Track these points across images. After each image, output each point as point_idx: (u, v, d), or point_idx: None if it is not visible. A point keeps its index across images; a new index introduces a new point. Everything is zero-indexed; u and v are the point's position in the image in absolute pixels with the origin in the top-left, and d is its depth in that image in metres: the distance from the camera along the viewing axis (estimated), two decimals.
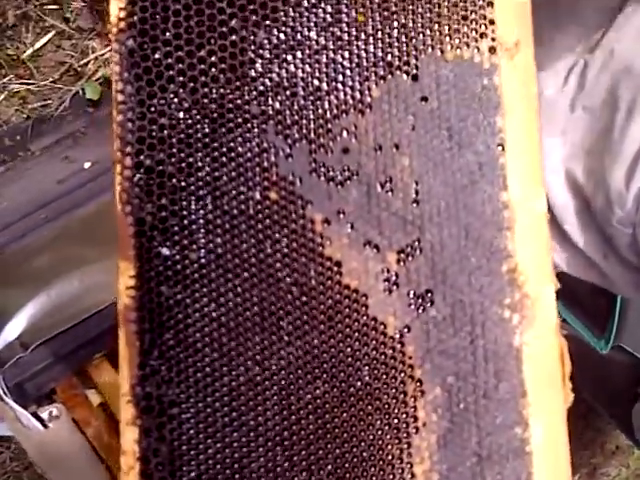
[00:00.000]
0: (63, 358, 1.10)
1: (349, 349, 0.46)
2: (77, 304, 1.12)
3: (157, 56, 0.51)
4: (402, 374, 0.46)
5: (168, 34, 0.51)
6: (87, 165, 1.33)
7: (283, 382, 0.45)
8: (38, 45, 1.42)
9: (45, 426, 1.14)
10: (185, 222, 0.51)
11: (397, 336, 0.46)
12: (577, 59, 0.65)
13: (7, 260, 1.17)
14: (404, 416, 0.46)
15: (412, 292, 0.46)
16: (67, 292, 1.14)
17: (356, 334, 0.46)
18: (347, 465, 0.46)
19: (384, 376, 0.46)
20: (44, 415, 1.15)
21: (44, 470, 1.27)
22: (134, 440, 0.44)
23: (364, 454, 0.45)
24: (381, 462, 0.45)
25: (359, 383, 0.46)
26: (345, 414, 0.45)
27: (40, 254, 1.17)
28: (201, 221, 0.45)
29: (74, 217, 1.22)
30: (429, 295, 0.46)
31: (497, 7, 0.49)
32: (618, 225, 0.63)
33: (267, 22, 0.52)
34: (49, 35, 1.44)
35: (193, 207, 0.52)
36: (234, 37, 0.52)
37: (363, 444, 0.45)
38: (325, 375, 0.45)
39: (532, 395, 0.54)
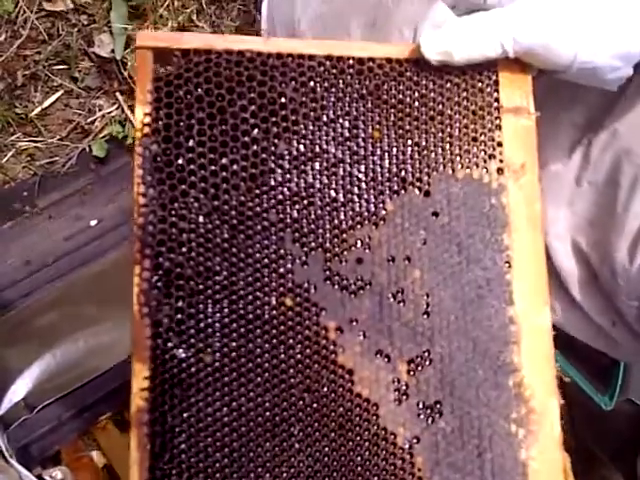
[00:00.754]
0: (69, 420, 1.10)
1: (359, 458, 0.46)
2: (82, 365, 1.13)
3: (180, 162, 0.54)
4: None
5: (192, 142, 0.54)
6: (93, 223, 1.37)
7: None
8: (46, 104, 1.51)
9: None
10: (201, 325, 0.53)
11: (407, 447, 0.47)
12: (581, 136, 0.74)
13: (12, 318, 1.18)
14: None
15: (421, 403, 0.47)
16: (72, 353, 1.14)
17: (367, 444, 0.46)
18: None
19: None
20: (49, 478, 1.13)
21: None
22: None
23: None
24: None
25: None
26: None
27: (45, 312, 1.18)
28: (217, 324, 0.46)
29: (79, 275, 1.24)
30: (438, 406, 0.47)
31: (504, 130, 0.51)
32: (625, 298, 0.64)
33: (287, 134, 0.56)
34: (57, 94, 1.53)
35: (210, 310, 0.54)
36: (255, 147, 0.55)
37: None
38: (336, 473, 0.45)
39: None
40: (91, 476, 1.19)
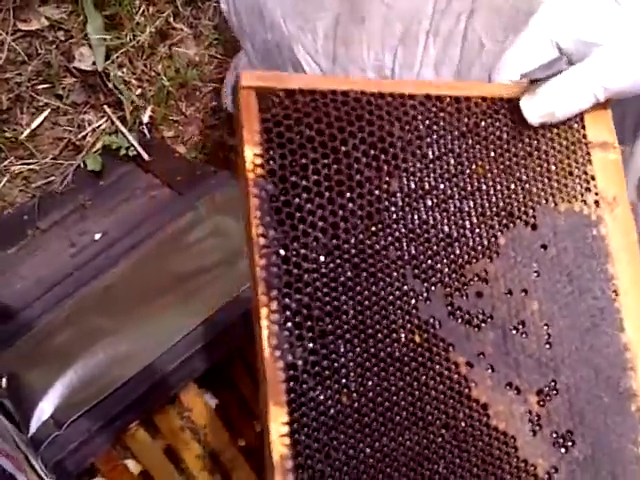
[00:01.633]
0: (99, 431, 1.11)
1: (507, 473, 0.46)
2: (105, 376, 1.14)
3: (298, 201, 0.55)
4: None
5: (308, 181, 0.56)
6: (97, 236, 1.37)
7: None
8: (34, 125, 1.55)
9: None
10: (335, 365, 0.54)
11: (546, 477, 0.46)
12: None
13: (30, 340, 1.21)
14: None
15: (555, 433, 0.48)
16: (93, 366, 1.16)
17: (509, 477, 0.46)
18: None
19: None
20: None
21: None
22: None
23: None
24: None
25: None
26: None
27: (61, 330, 1.20)
28: (351, 364, 0.46)
29: (90, 289, 1.25)
30: (570, 435, 0.48)
31: (595, 165, 0.52)
32: None
33: (398, 172, 0.58)
34: (44, 114, 1.56)
35: (342, 350, 0.55)
36: (369, 185, 0.57)
37: None
38: None
39: None
40: None
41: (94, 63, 1.53)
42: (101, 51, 1.53)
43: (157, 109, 1.60)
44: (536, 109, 0.62)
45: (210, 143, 1.66)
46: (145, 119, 1.58)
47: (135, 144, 1.52)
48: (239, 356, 1.21)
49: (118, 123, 1.55)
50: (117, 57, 1.55)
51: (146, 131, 1.58)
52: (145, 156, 1.51)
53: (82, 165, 1.50)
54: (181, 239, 1.29)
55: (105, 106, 1.57)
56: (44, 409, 1.10)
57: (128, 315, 1.19)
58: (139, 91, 1.59)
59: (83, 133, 1.54)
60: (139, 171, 1.50)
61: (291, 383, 0.52)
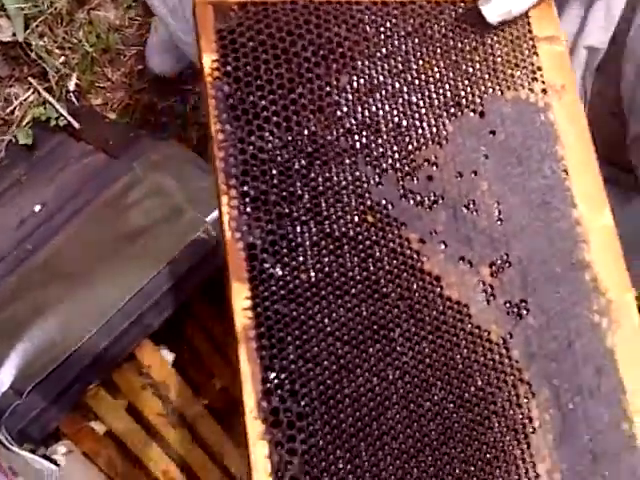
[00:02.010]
0: (59, 396, 1.11)
1: (459, 356, 0.48)
2: (59, 342, 1.14)
3: (252, 99, 0.59)
4: (512, 377, 0.48)
5: (260, 80, 0.60)
6: (37, 208, 1.35)
7: (402, 391, 0.47)
8: None
9: (58, 465, 1.14)
10: (293, 245, 0.59)
11: (501, 342, 0.48)
12: None
13: None
14: (520, 417, 0.48)
15: (508, 302, 0.50)
16: (46, 333, 1.15)
17: (463, 342, 0.48)
18: (474, 468, 0.47)
19: (495, 380, 0.48)
20: (54, 455, 1.15)
21: None
22: (264, 456, 0.45)
23: (488, 456, 0.47)
24: (505, 463, 0.47)
25: (473, 388, 0.48)
26: (464, 418, 0.47)
27: (11, 303, 1.20)
28: (307, 243, 0.49)
29: (36, 260, 1.24)
30: (524, 304, 0.50)
31: (541, 57, 0.55)
32: None
33: (347, 69, 0.62)
34: None
35: (298, 230, 0.59)
36: (320, 82, 0.61)
37: (486, 447, 0.47)
38: (440, 382, 0.47)
39: (630, 394, 0.60)
40: (94, 444, 1.23)
41: (14, 34, 1.52)
42: (20, 21, 1.51)
43: (83, 77, 1.58)
44: (495, 10, 0.66)
45: (140, 107, 1.63)
46: (71, 87, 1.57)
47: (64, 113, 1.50)
48: (190, 313, 1.23)
49: (45, 94, 1.54)
50: (37, 26, 1.54)
51: (74, 99, 1.57)
52: (76, 124, 1.49)
53: (13, 140, 1.50)
54: (120, 201, 1.29)
55: (30, 78, 1.56)
56: (2, 380, 1.12)
57: (75, 281, 1.20)
58: (62, 59, 1.57)
59: (11, 107, 1.53)
60: (71, 140, 1.48)
61: (251, 262, 0.55)
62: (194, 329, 1.30)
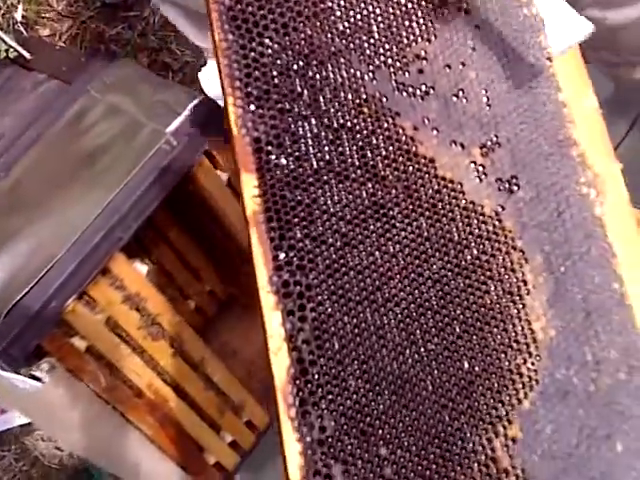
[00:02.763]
0: (38, 314, 1.16)
1: (455, 229, 0.52)
2: (32, 262, 1.19)
3: (250, 9, 0.63)
4: (506, 245, 0.52)
5: None
6: None
7: (402, 262, 0.51)
8: None
9: (42, 382, 1.19)
10: (295, 137, 0.60)
11: (494, 215, 0.52)
12: None
13: None
14: (515, 280, 0.52)
15: (499, 179, 0.53)
16: (18, 256, 1.21)
17: (458, 216, 0.53)
18: (473, 327, 0.51)
19: (490, 249, 0.52)
20: (38, 372, 1.19)
21: (53, 432, 1.24)
22: (279, 324, 0.48)
23: (486, 317, 0.51)
24: (503, 322, 0.50)
25: (469, 257, 0.52)
26: (462, 284, 0.51)
27: None
28: (309, 135, 0.54)
29: None
30: (514, 180, 0.54)
31: None
32: None
33: None
34: None
35: (299, 123, 0.63)
36: None
37: (483, 309, 0.51)
38: (438, 253, 0.51)
39: (620, 256, 0.63)
40: (77, 361, 1.26)
41: None
42: None
43: (29, 7, 1.59)
44: None
45: (88, 36, 1.66)
46: (18, 17, 1.58)
47: (14, 45, 1.51)
48: (154, 226, 1.26)
49: None
50: None
51: (22, 30, 1.59)
52: (26, 55, 1.51)
53: None
54: (78, 125, 1.33)
55: None
56: None
57: (42, 206, 1.24)
58: None
59: None
60: (23, 71, 1.51)
61: (258, 154, 0.60)
62: (158, 241, 1.33)
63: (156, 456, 1.52)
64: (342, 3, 0.66)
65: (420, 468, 0.55)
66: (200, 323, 1.67)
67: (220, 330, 1.80)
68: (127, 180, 1.21)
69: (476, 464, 0.56)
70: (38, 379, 1.21)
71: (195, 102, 1.35)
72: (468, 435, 0.57)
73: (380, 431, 0.56)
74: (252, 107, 0.62)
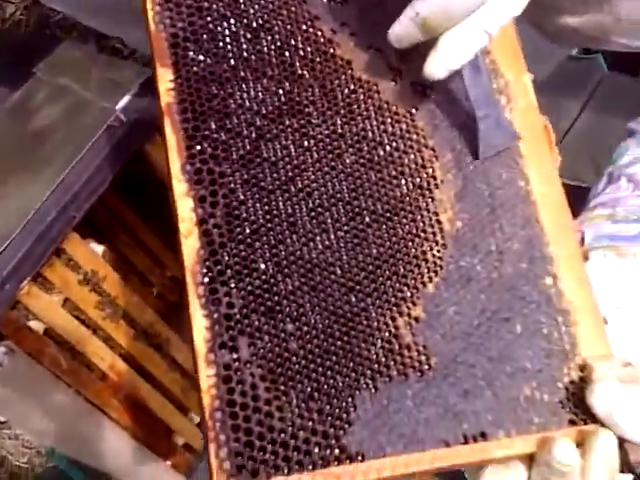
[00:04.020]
0: None
1: (369, 127, 0.53)
2: None
3: None
4: (417, 143, 0.53)
5: None
6: None
7: (316, 155, 0.52)
8: None
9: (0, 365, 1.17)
10: (212, 34, 0.54)
11: (408, 115, 0.53)
12: None
13: None
14: (425, 176, 0.52)
15: (414, 83, 0.54)
16: None
17: (373, 115, 0.54)
18: (383, 217, 0.51)
19: (403, 146, 0.53)
20: None
21: (15, 418, 1.22)
22: (190, 209, 0.48)
23: (396, 208, 0.52)
24: (411, 214, 0.51)
25: (382, 153, 0.53)
26: (374, 178, 0.52)
27: None
28: (227, 33, 0.53)
29: None
30: (428, 84, 0.53)
31: None
32: None
33: None
34: None
35: (218, 22, 0.55)
36: None
37: (394, 201, 0.52)
38: (352, 148, 0.52)
39: (527, 156, 0.65)
40: (36, 343, 1.24)
41: None
42: None
43: None
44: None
45: (33, 22, 1.62)
46: None
47: None
48: (108, 207, 1.24)
49: None
50: None
51: None
52: None
53: None
54: (25, 107, 1.32)
55: None
56: None
57: None
58: None
59: None
60: None
61: (174, 49, 0.59)
62: (113, 223, 1.31)
63: (123, 439, 1.48)
64: None
65: (325, 344, 0.55)
66: (162, 307, 1.64)
67: (183, 313, 1.76)
68: (78, 158, 1.19)
69: (379, 340, 0.56)
70: None
71: (144, 78, 1.35)
72: (373, 315, 0.58)
73: (287, 309, 0.56)
74: (170, 5, 0.61)
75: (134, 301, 1.31)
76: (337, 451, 0.53)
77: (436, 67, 0.60)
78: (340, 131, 0.63)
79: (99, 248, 1.33)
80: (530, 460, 0.58)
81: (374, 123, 0.64)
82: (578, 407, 0.59)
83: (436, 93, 0.65)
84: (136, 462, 1.53)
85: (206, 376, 0.54)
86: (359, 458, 0.54)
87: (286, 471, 0.52)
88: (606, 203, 0.76)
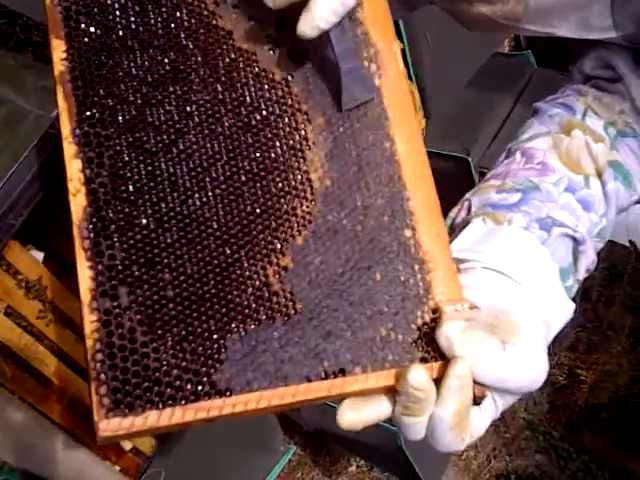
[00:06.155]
0: None
1: (247, 92, 0.56)
2: None
3: None
4: (292, 108, 0.55)
5: None
6: None
7: (198, 119, 0.55)
8: None
9: None
10: (103, 7, 0.56)
11: (284, 81, 0.55)
12: None
13: None
14: (298, 137, 0.55)
15: (290, 51, 0.56)
16: None
17: (252, 81, 0.55)
18: (258, 177, 0.55)
19: (278, 110, 0.55)
20: None
21: None
22: (78, 169, 0.51)
23: (270, 168, 0.54)
24: (284, 173, 0.54)
25: (259, 117, 0.55)
26: (251, 140, 0.55)
27: None
28: (116, 6, 0.54)
29: None
30: (304, 53, 0.56)
31: None
32: None
33: None
34: None
35: None
36: None
37: (268, 161, 0.55)
38: (231, 113, 0.55)
39: (393, 119, 0.67)
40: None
41: None
42: None
43: None
44: None
45: None
46: None
47: None
48: (48, 214, 1.23)
49: None
50: None
51: None
52: None
53: None
54: None
55: None
56: None
57: None
58: None
59: None
60: None
61: (67, 21, 0.62)
62: (52, 230, 1.29)
63: (71, 446, 1.44)
64: None
65: (200, 291, 0.59)
66: None
67: None
68: (15, 167, 1.18)
69: (250, 288, 0.60)
70: None
71: None
72: (245, 265, 0.61)
73: (165, 260, 0.59)
74: None
75: (76, 306, 1.28)
76: (207, 387, 0.58)
77: (307, 26, 0.62)
78: (220, 97, 0.65)
79: (39, 255, 1.30)
80: (395, 394, 0.63)
81: (252, 89, 0.66)
82: (429, 346, 0.63)
83: (310, 60, 0.68)
84: (85, 468, 1.48)
85: (89, 322, 0.57)
86: (227, 393, 0.58)
87: (160, 405, 0.56)
88: (499, 175, 0.79)
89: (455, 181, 1.53)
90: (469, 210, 0.76)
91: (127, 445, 1.63)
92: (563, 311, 0.68)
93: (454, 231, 0.75)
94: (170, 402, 0.55)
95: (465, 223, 0.73)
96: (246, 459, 1.92)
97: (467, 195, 0.78)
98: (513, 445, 2.60)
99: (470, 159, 2.16)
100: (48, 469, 1.44)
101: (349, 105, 0.66)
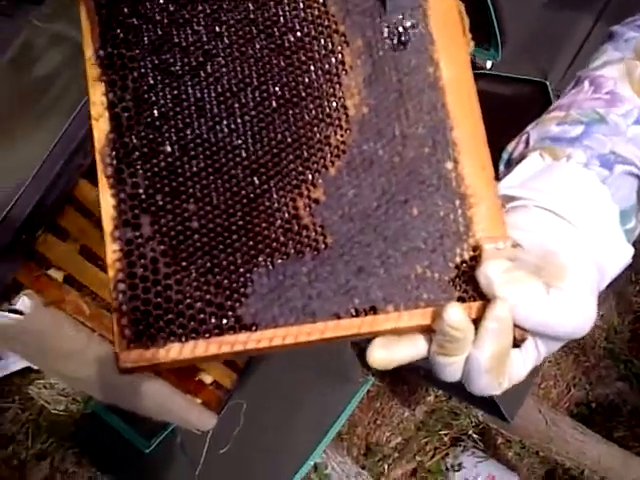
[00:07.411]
0: (9, 248, 1.08)
1: (281, 12, 0.50)
2: None
3: None
4: (328, 29, 0.49)
5: None
6: None
7: (227, 41, 0.48)
8: None
9: (23, 314, 1.11)
10: None
11: (321, 0, 0.49)
12: None
13: None
14: (334, 61, 0.49)
15: None
16: None
17: (285, 1, 0.48)
18: (290, 103, 0.49)
19: (313, 31, 0.49)
20: (18, 305, 1.11)
21: (46, 367, 1.20)
22: (101, 93, 0.46)
23: (303, 94, 0.48)
24: (318, 99, 0.48)
25: (292, 38, 0.49)
26: (283, 63, 0.48)
27: None
28: None
29: None
30: None
31: None
32: None
33: None
34: None
35: None
36: None
37: (301, 86, 0.49)
38: (262, 34, 0.49)
39: (439, 42, 0.61)
40: (56, 292, 1.21)
41: None
42: None
43: None
44: None
45: None
46: None
47: None
48: None
49: None
50: None
51: None
52: None
53: None
54: (25, 56, 1.24)
55: None
56: None
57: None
58: None
59: None
60: None
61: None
62: None
63: (151, 379, 1.45)
64: None
65: (226, 223, 0.55)
66: None
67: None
68: (80, 105, 1.15)
69: (279, 220, 0.55)
70: (20, 312, 1.13)
71: None
72: (274, 196, 0.57)
73: (191, 190, 0.55)
74: None
75: None
76: (232, 321, 0.54)
77: None
78: (252, 17, 0.60)
79: None
80: (431, 333, 0.59)
81: (286, 9, 0.61)
82: (468, 285, 0.58)
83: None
84: (166, 400, 1.51)
85: (112, 251, 0.54)
86: (253, 328, 0.55)
87: (183, 338, 0.53)
88: (563, 105, 0.72)
89: (532, 107, 1.42)
90: (527, 143, 0.69)
91: (208, 379, 1.63)
92: (620, 256, 0.62)
93: (511, 166, 0.69)
94: (193, 335, 0.52)
95: (521, 158, 0.67)
96: (325, 391, 1.91)
97: (528, 127, 0.71)
98: (593, 373, 2.54)
99: (548, 83, 1.97)
100: (131, 402, 1.47)
101: (394, 13, 0.61)
